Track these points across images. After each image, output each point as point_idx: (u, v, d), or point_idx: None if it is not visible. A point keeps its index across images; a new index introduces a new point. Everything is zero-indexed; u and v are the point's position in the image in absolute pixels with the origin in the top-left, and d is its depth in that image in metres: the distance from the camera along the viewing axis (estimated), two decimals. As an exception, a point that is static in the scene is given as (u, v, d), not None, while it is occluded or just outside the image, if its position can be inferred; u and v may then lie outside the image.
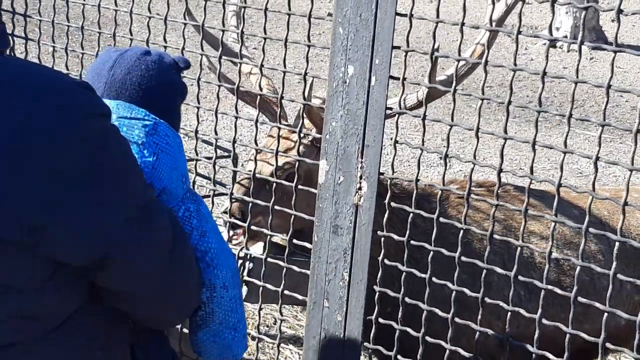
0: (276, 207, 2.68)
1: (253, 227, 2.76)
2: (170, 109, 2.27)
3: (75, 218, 1.78)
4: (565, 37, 14.13)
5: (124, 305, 2.05)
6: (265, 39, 2.63)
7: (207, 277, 2.21)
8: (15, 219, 1.70)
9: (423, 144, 2.38)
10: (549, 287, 2.16)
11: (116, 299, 2.01)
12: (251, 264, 2.98)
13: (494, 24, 2.74)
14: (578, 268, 2.12)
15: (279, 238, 2.92)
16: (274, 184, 2.70)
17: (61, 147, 1.74)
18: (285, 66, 2.62)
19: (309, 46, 2.56)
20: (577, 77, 2.09)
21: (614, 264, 2.03)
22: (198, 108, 2.81)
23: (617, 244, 2.02)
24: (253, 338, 2.78)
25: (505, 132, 2.22)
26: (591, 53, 14.09)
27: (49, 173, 1.72)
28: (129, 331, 2.14)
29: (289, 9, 2.59)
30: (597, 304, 2.07)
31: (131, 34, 2.92)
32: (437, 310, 2.38)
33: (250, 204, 2.76)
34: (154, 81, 2.23)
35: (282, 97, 2.65)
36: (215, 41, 3.32)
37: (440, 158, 2.22)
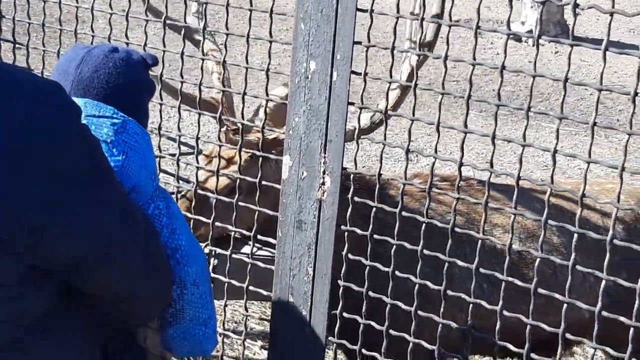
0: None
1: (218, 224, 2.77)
2: (138, 106, 2.25)
3: (75, 218, 1.78)
4: (530, 31, 14.24)
5: (99, 304, 2.04)
6: (227, 34, 2.63)
7: (177, 275, 2.21)
8: (16, 219, 1.69)
9: (385, 139, 2.40)
10: (509, 278, 2.19)
11: (92, 298, 2.00)
12: (216, 261, 2.98)
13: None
14: (538, 260, 2.15)
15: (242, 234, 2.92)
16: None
17: (61, 147, 1.74)
18: (247, 62, 2.63)
19: (270, 42, 2.57)
20: (535, 70, 2.11)
21: (573, 255, 2.05)
22: (161, 105, 2.81)
23: (575, 235, 2.05)
24: (219, 334, 2.78)
25: (465, 126, 2.24)
26: (556, 47, 14.21)
27: (49, 173, 1.72)
28: (101, 333, 2.13)
29: (251, 5, 2.59)
30: (557, 295, 2.10)
31: (93, 31, 2.90)
32: (399, 304, 2.39)
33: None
34: (121, 79, 2.21)
35: (245, 94, 2.65)
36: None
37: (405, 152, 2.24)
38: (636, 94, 1.93)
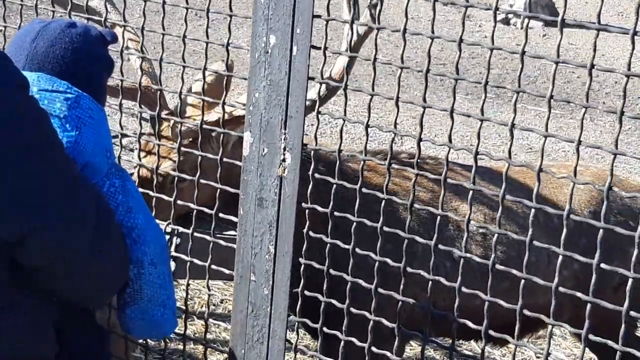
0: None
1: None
2: (96, 83, 2.21)
3: (1, 193, 1.74)
4: (518, 15, 14.18)
5: (50, 283, 2.01)
6: (187, 9, 2.59)
7: (134, 254, 2.17)
8: None
9: (345, 114, 2.36)
10: (467, 255, 2.16)
11: (41, 276, 1.97)
12: (178, 239, 2.94)
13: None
14: (495, 236, 2.12)
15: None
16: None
17: None
18: (207, 37, 2.58)
19: (230, 16, 2.53)
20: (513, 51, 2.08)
21: (530, 230, 2.03)
22: (122, 80, 2.76)
23: (532, 210, 2.02)
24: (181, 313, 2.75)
25: (424, 100, 2.21)
26: (544, 30, 14.18)
27: None
28: (54, 311, 2.10)
29: (211, -21, 2.55)
30: (514, 271, 2.07)
31: (53, 6, 2.85)
32: (360, 281, 2.36)
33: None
34: (78, 54, 2.17)
35: (205, 69, 2.61)
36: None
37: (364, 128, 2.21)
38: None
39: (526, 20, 13.37)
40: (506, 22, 14.46)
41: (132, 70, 3.12)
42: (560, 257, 2.00)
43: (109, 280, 2.11)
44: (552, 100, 2.00)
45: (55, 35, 2.16)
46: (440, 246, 2.21)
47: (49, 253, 1.91)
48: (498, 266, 2.10)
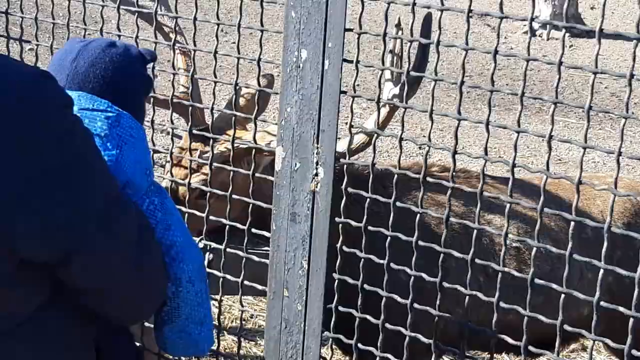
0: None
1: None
2: (135, 102, 2.23)
3: (44, 213, 1.74)
4: (544, 25, 14.12)
5: (92, 302, 2.00)
6: (218, 25, 2.58)
7: (172, 271, 2.17)
8: None
9: (382, 129, 2.34)
10: (505, 269, 2.13)
11: (84, 295, 1.96)
12: (211, 255, 2.93)
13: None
14: (534, 249, 2.09)
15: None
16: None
17: (42, 139, 1.71)
18: (239, 52, 2.57)
19: (262, 31, 2.52)
20: (529, 58, 2.05)
21: (570, 244, 1.99)
22: (153, 98, 2.76)
23: (572, 223, 1.99)
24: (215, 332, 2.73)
25: (459, 113, 2.18)
26: (570, 41, 14.10)
27: (25, 164, 1.69)
28: (94, 331, 2.09)
29: (241, -6, 2.54)
30: (555, 285, 2.04)
31: (85, 24, 2.86)
32: (395, 297, 2.34)
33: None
34: (118, 74, 2.18)
35: (236, 85, 2.60)
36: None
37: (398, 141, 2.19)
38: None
39: (560, 32, 13.31)
40: (532, 33, 14.38)
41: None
42: (601, 271, 1.97)
43: (149, 298, 2.10)
44: (589, 111, 1.97)
45: (96, 55, 2.18)
46: (477, 260, 2.18)
47: (93, 273, 1.90)
48: (537, 280, 2.07)
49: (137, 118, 2.18)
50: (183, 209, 2.73)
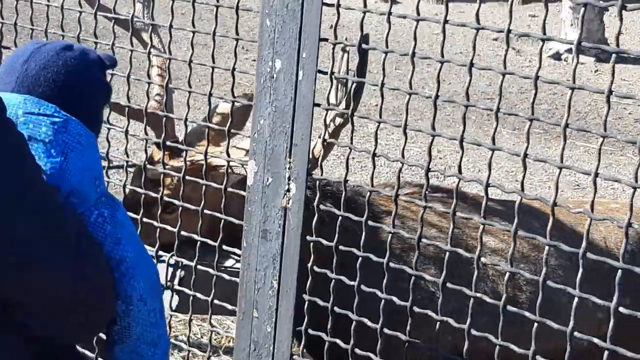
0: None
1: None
2: (90, 109, 2.09)
3: None
4: (570, 50, 13.95)
5: (30, 317, 1.89)
6: (194, 32, 2.49)
7: (122, 288, 2.04)
8: None
9: (352, 142, 2.23)
10: (478, 294, 2.00)
11: (18, 311, 1.85)
12: (183, 272, 2.82)
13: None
14: (507, 274, 1.96)
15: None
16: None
17: None
18: (214, 61, 2.48)
19: (237, 39, 2.42)
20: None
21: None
22: (128, 107, 2.67)
23: (546, 248, 1.86)
24: (180, 350, 2.62)
25: (433, 128, 2.07)
26: (596, 65, 13.91)
27: None
28: (37, 348, 1.96)
29: (217, 1, 2.45)
30: (527, 313, 1.91)
31: (63, 30, 2.78)
32: (366, 321, 2.22)
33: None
34: (72, 78, 2.05)
35: (210, 95, 2.51)
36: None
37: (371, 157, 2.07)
38: None
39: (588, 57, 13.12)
40: (557, 57, 14.23)
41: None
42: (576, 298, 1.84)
43: (93, 315, 1.97)
44: (565, 129, 1.85)
45: (49, 58, 2.06)
46: (449, 284, 2.06)
47: (28, 286, 1.79)
48: (510, 307, 1.94)
49: (92, 125, 2.06)
50: (155, 223, 2.64)
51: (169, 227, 2.63)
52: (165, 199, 2.61)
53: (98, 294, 1.96)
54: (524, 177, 1.90)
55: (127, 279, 2.02)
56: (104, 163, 2.48)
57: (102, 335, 2.17)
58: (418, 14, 2.06)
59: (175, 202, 2.58)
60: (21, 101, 1.98)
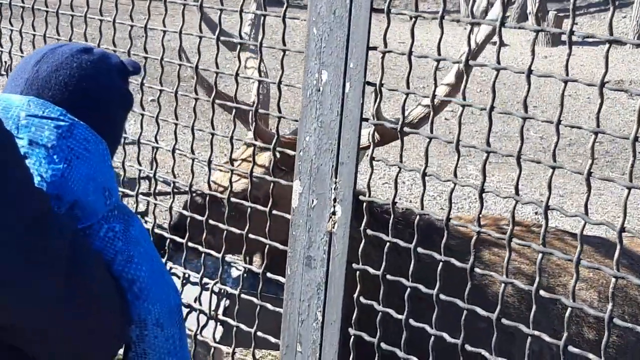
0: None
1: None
2: (106, 118, 1.93)
3: None
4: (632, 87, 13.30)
5: (22, 344, 1.70)
6: (240, 44, 2.34)
7: (135, 311, 1.86)
8: None
9: (401, 161, 2.02)
10: (535, 332, 1.75)
11: (10, 337, 1.68)
12: (228, 301, 2.63)
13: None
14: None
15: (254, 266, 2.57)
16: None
17: None
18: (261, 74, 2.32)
19: (284, 51, 2.26)
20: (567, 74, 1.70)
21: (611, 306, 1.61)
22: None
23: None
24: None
25: (488, 144, 1.84)
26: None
27: None
28: None
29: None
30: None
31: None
32: (414, 359, 1.99)
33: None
34: (86, 82, 1.89)
35: (257, 110, 2.35)
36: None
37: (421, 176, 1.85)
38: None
39: None
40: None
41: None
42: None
43: (95, 341, 1.78)
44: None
45: (62, 60, 1.91)
46: (504, 321, 1.82)
47: (8, 306, 1.60)
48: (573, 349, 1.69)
49: (108, 134, 1.90)
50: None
51: (213, 253, 2.47)
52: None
53: (103, 320, 1.77)
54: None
55: (141, 301, 1.84)
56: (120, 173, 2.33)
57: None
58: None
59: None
60: (25, 103, 1.83)
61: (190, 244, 2.54)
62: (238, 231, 2.38)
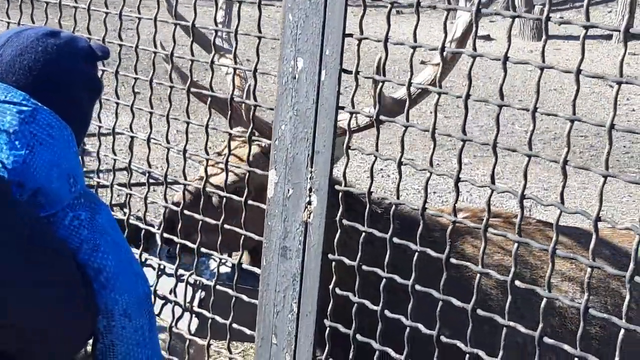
0: (225, 226, 2.33)
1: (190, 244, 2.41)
2: (73, 101, 1.88)
3: None
4: None
5: (23, 345, 1.68)
6: (216, 31, 2.31)
7: (102, 301, 1.82)
8: None
9: (377, 150, 1.99)
10: (511, 323, 1.73)
11: (11, 338, 1.66)
12: (203, 293, 2.60)
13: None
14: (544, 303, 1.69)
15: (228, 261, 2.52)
16: (224, 199, 2.34)
17: None
18: (236, 63, 2.28)
19: (259, 37, 2.22)
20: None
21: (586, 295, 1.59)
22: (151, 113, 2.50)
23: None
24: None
25: (464, 132, 1.81)
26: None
27: None
28: None
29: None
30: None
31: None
32: (389, 350, 1.96)
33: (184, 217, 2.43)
34: (50, 67, 1.84)
35: (232, 99, 2.31)
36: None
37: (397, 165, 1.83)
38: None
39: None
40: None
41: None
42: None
43: (60, 328, 1.75)
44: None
45: (27, 44, 1.86)
46: (480, 311, 1.80)
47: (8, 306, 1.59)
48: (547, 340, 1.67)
49: (75, 118, 1.86)
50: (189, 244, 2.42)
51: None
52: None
53: (67, 306, 1.73)
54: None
55: (108, 291, 1.80)
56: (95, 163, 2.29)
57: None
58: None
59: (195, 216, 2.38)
60: None
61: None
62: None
